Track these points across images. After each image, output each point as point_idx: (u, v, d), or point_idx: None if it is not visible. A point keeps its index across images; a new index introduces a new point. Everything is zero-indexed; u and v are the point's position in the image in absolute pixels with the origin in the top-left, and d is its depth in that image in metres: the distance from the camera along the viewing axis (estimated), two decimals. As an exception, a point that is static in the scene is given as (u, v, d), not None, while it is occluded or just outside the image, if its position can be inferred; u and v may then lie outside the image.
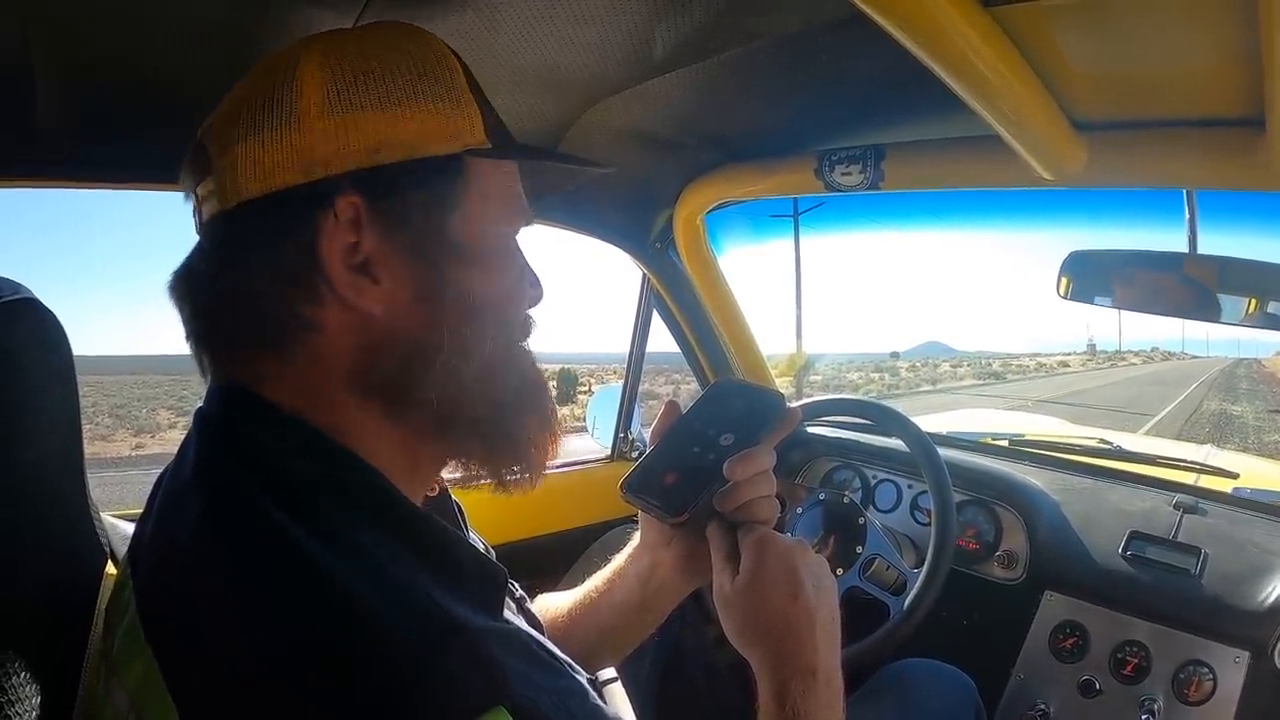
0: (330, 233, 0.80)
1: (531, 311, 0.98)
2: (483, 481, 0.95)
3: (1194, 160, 1.50)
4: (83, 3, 1.06)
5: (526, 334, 0.97)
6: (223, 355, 0.86)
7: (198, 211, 0.86)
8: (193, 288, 0.85)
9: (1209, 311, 1.82)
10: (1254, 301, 1.75)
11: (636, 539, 1.20)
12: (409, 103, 0.84)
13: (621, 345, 2.68)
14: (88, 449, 1.02)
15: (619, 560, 1.23)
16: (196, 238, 0.88)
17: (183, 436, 0.88)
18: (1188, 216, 1.91)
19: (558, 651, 0.89)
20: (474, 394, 0.88)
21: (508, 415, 0.92)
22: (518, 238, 0.96)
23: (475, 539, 1.07)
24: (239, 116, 0.83)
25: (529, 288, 0.96)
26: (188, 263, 0.87)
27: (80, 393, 0.99)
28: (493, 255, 0.90)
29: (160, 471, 0.90)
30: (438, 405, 0.86)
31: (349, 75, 0.83)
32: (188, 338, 0.87)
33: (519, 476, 0.95)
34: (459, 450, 0.93)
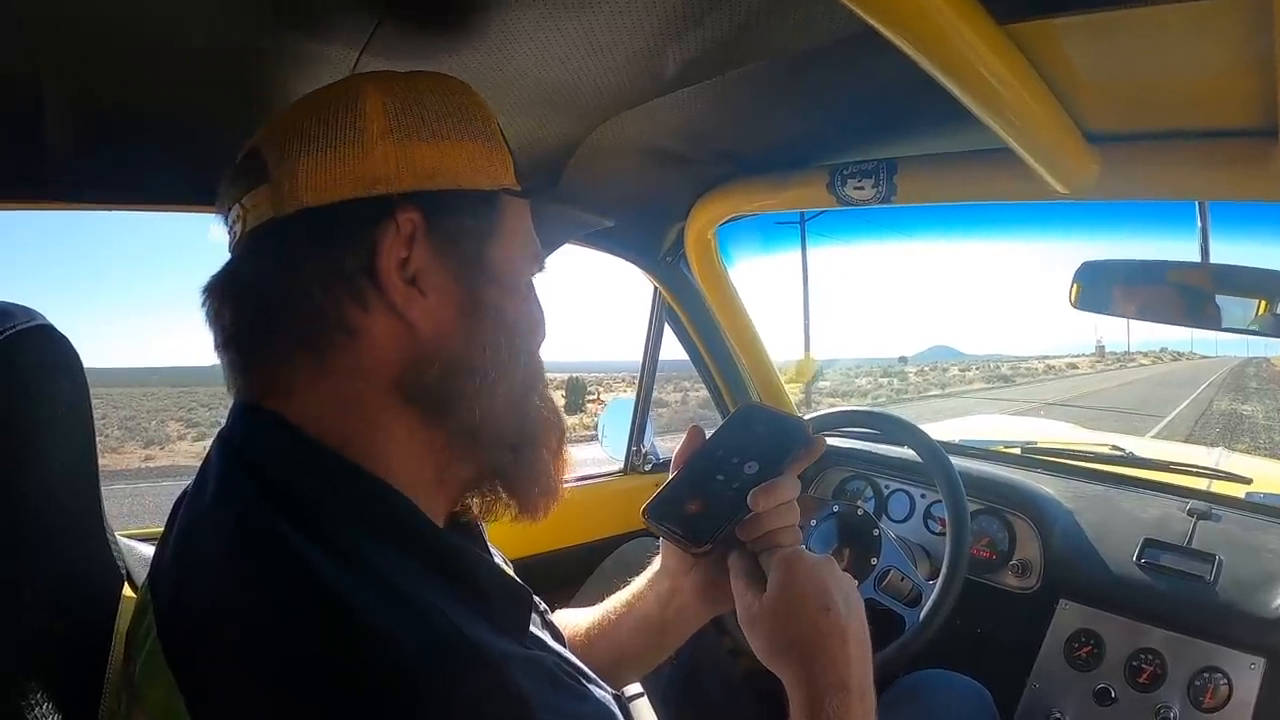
0: (389, 243, 0.84)
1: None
2: (504, 505, 0.96)
3: (1206, 172, 1.50)
4: (90, 31, 1.07)
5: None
6: (257, 363, 0.86)
7: (241, 220, 0.87)
8: (237, 291, 0.87)
9: (1219, 319, 1.81)
10: (1263, 304, 1.75)
11: (657, 562, 1.20)
12: (457, 140, 0.89)
13: (629, 353, 2.68)
14: (98, 462, 1.02)
15: (639, 583, 1.23)
16: (226, 250, 0.90)
17: (191, 448, 0.89)
18: (1200, 226, 1.91)
19: (583, 668, 0.90)
20: (506, 411, 0.91)
21: (532, 437, 0.95)
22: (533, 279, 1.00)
23: (496, 555, 1.06)
24: (300, 132, 0.86)
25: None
26: (230, 268, 0.89)
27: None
28: (520, 287, 0.95)
29: (177, 489, 0.91)
30: (473, 418, 0.89)
31: (406, 108, 0.87)
32: (222, 345, 0.87)
33: (540, 498, 0.96)
34: (487, 466, 0.94)
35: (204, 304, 0.88)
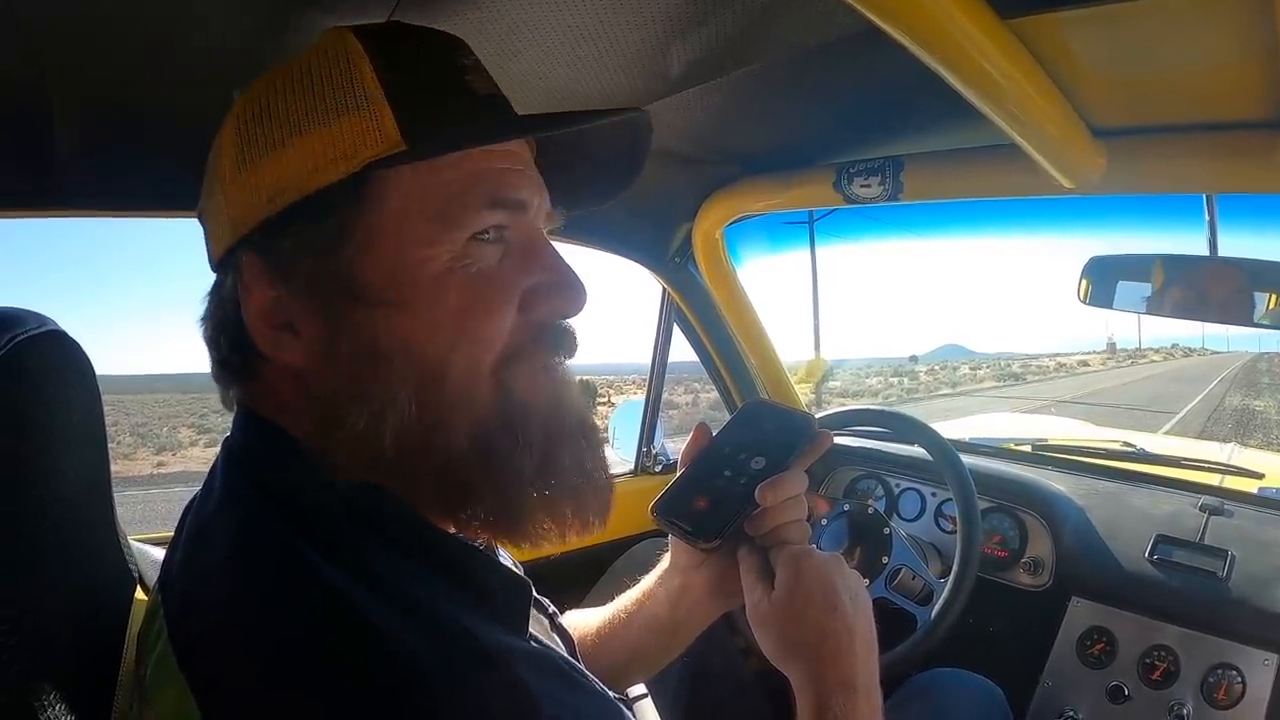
0: (243, 294, 0.80)
1: (569, 322, 0.87)
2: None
3: (1213, 164, 1.50)
4: (98, 32, 1.07)
5: (536, 354, 0.85)
6: (233, 388, 0.87)
7: None
8: (207, 327, 0.87)
9: (1231, 313, 1.81)
10: (1275, 297, 1.75)
11: (666, 560, 1.19)
12: (298, 133, 0.78)
13: (639, 355, 2.68)
14: (110, 468, 1.03)
15: (649, 581, 1.22)
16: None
17: (203, 454, 0.88)
18: (1208, 219, 1.91)
19: (587, 671, 0.89)
20: (412, 450, 0.80)
21: (478, 476, 0.81)
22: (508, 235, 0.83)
23: (504, 557, 1.06)
24: (208, 178, 0.86)
25: (537, 300, 0.84)
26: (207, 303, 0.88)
27: (102, 412, 1.00)
28: (416, 285, 0.79)
29: (190, 495, 0.90)
30: (372, 462, 0.79)
31: (255, 119, 0.80)
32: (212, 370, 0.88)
33: (523, 534, 0.84)
34: (448, 501, 0.84)
35: (200, 328, 0.89)
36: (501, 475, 0.82)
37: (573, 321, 0.88)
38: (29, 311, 0.88)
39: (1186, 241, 1.99)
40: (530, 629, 0.87)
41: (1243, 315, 1.79)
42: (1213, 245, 1.91)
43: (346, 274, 0.78)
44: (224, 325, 0.84)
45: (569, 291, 0.86)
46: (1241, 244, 1.93)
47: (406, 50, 0.83)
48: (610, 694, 0.90)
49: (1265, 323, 1.77)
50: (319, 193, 0.77)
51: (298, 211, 0.77)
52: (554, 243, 0.87)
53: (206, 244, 0.87)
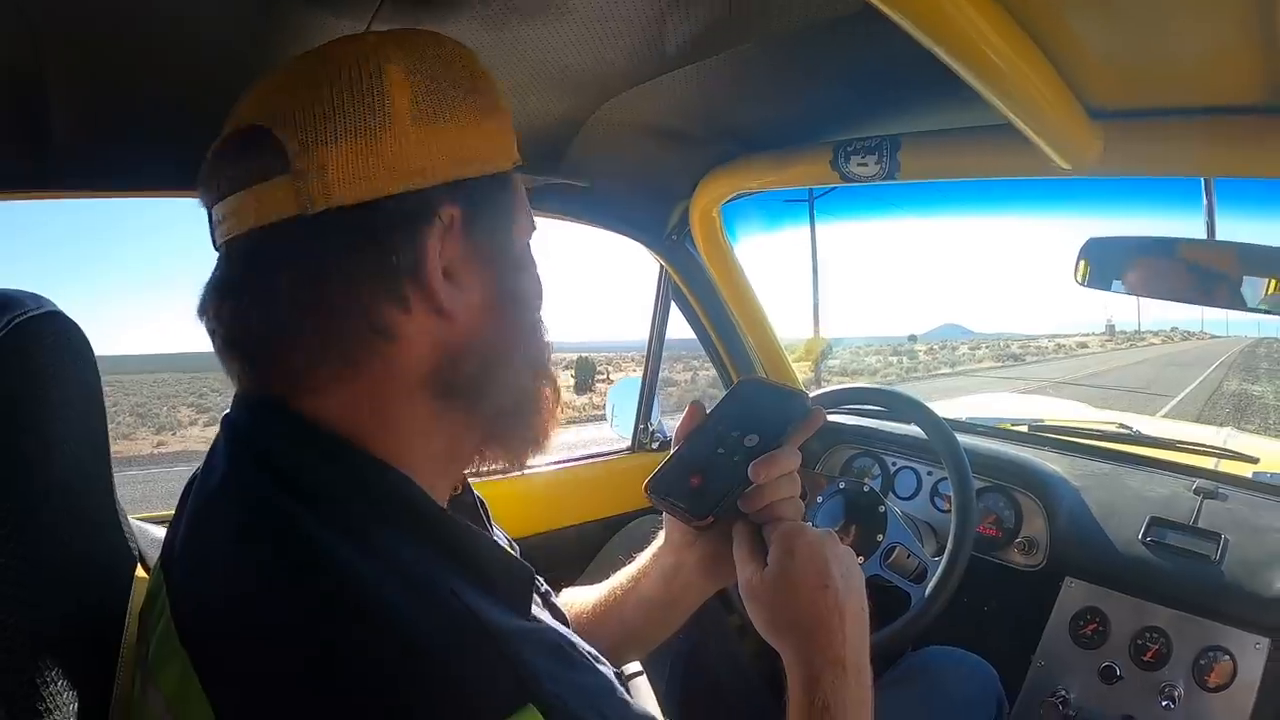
0: (433, 242, 0.82)
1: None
2: (497, 465, 0.97)
3: (1210, 148, 1.49)
4: (95, 15, 1.06)
5: None
6: (277, 365, 0.82)
7: (250, 211, 0.80)
8: (259, 293, 0.80)
9: (1228, 297, 1.81)
10: (1274, 283, 1.75)
11: (661, 537, 1.20)
12: (480, 119, 0.87)
13: (639, 333, 2.68)
14: (111, 448, 1.03)
15: (643, 558, 1.23)
16: (221, 244, 0.84)
17: (203, 433, 0.88)
18: (1206, 203, 1.90)
19: (585, 647, 0.90)
20: (518, 382, 0.92)
21: (533, 395, 0.95)
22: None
23: (499, 535, 1.08)
24: (320, 112, 0.79)
25: None
26: (227, 276, 0.83)
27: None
28: (529, 260, 0.95)
29: (188, 474, 0.91)
30: (500, 399, 0.90)
31: (430, 85, 0.83)
32: (236, 343, 0.83)
33: (533, 450, 0.98)
34: (490, 432, 0.94)
35: (210, 302, 0.83)
36: (544, 401, 0.97)
37: None
38: (27, 293, 0.88)
39: (1185, 224, 1.99)
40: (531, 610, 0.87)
41: (1239, 299, 1.79)
42: (1210, 229, 1.91)
43: (511, 243, 0.92)
44: (371, 278, 0.80)
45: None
46: (1240, 228, 1.93)
47: None
48: (606, 669, 0.91)
49: (1263, 308, 1.77)
50: (498, 175, 0.90)
51: (484, 184, 0.87)
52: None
53: (312, 177, 0.78)
